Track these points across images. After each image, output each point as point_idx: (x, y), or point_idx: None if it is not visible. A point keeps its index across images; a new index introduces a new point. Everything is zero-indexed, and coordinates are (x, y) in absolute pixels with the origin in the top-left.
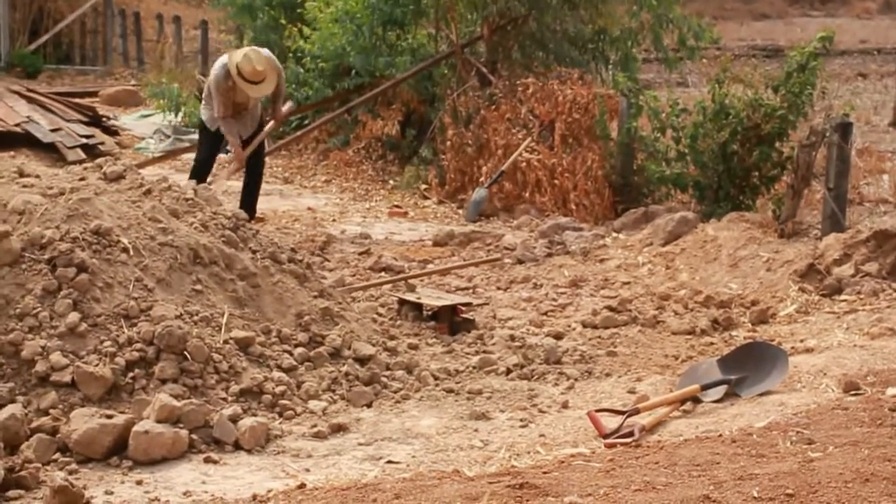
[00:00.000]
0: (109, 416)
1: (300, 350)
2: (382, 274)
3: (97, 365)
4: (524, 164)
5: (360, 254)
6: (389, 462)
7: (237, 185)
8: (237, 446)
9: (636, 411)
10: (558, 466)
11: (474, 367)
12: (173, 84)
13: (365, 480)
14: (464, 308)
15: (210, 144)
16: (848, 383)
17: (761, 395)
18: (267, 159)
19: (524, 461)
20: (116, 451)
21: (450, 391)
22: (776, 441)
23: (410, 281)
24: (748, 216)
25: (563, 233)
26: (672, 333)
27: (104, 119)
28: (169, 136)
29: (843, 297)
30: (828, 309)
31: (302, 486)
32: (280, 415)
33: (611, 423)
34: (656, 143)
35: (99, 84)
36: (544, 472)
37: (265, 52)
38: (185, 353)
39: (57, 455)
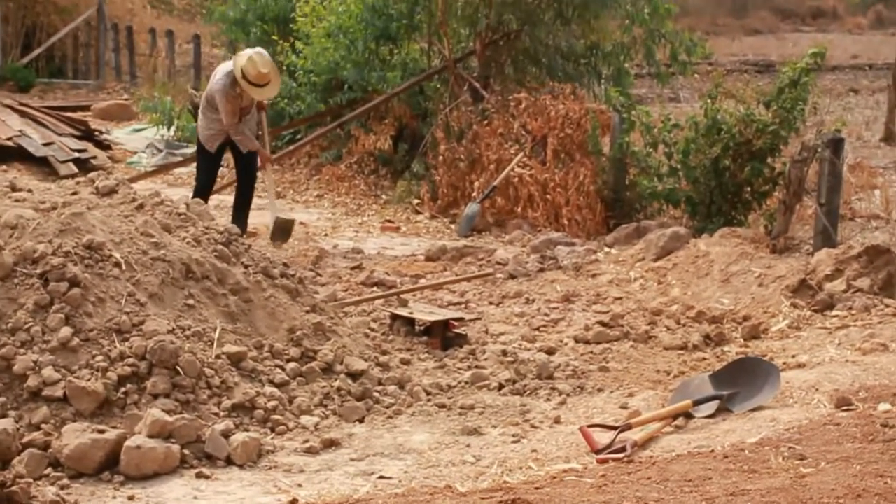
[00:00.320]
0: (101, 431)
1: (292, 365)
2: (374, 289)
3: (89, 380)
4: (516, 178)
5: (353, 268)
6: (381, 477)
7: (229, 199)
8: (229, 461)
9: (628, 427)
10: (550, 482)
11: (466, 383)
12: (166, 98)
13: (357, 496)
14: (456, 323)
15: (210, 168)
16: (840, 399)
17: (753, 410)
18: (259, 174)
19: (516, 476)
20: (108, 466)
21: (442, 406)
22: (768, 456)
23: (403, 296)
24: (740, 231)
25: (556, 248)
26: (664, 349)
27: (96, 133)
28: (161, 151)
29: (834, 312)
30: (819, 324)
31: (294, 501)
32: (272, 430)
33: (603, 438)
34: (648, 159)
35: (91, 98)
36: (536, 488)
37: (266, 54)
38: (178, 367)
39: (49, 470)
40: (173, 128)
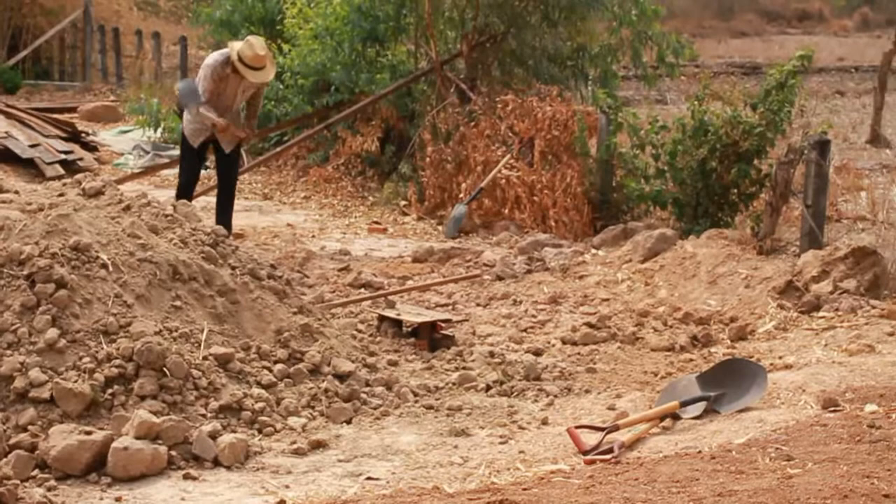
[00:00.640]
0: (88, 433)
1: (280, 366)
2: (362, 290)
3: (76, 381)
4: (503, 180)
5: (340, 270)
6: (369, 478)
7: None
8: (216, 463)
9: (616, 428)
10: (538, 483)
11: (454, 384)
12: (153, 99)
13: (344, 497)
14: (443, 324)
15: (192, 166)
16: (827, 400)
17: (740, 411)
18: (246, 175)
19: (504, 478)
20: (95, 467)
21: (429, 408)
22: (755, 457)
23: (390, 297)
24: (727, 233)
25: (543, 249)
26: (651, 350)
27: (83, 135)
28: (148, 152)
29: (821, 313)
30: (806, 326)
31: (281, 502)
32: (259, 431)
33: (590, 439)
34: (635, 160)
35: (78, 100)
36: (524, 489)
37: (262, 40)
38: (165, 369)
39: (35, 471)
40: (160, 129)
